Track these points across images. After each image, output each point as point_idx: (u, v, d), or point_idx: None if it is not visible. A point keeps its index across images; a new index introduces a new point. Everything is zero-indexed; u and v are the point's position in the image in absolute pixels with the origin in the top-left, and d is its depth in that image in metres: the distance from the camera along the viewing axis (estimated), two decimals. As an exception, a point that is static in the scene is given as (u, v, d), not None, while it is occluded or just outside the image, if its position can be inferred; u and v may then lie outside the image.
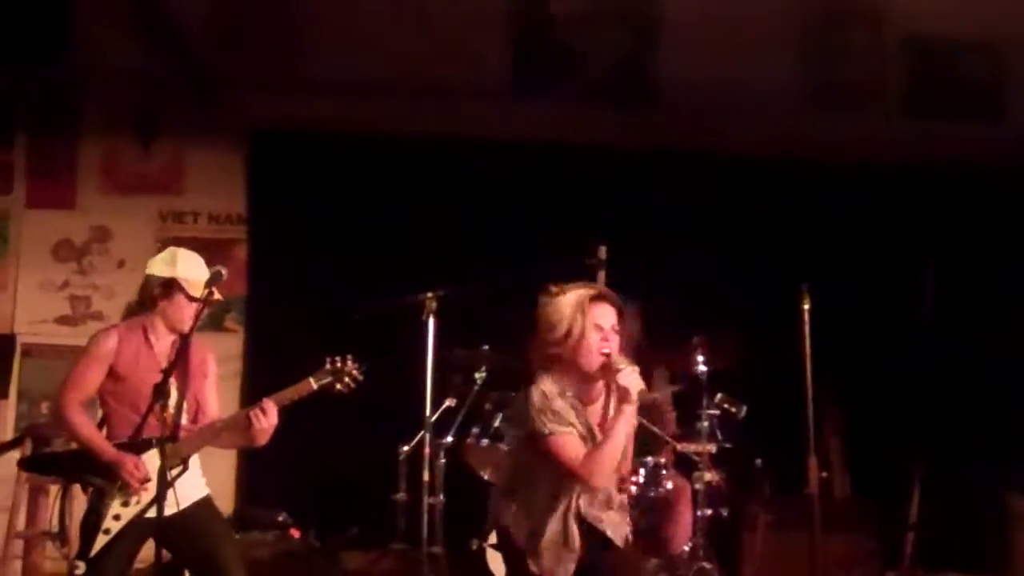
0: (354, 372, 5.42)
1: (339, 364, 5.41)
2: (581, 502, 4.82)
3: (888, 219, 8.54)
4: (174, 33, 8.04)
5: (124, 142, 8.75)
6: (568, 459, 4.70)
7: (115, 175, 8.77)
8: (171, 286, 5.45)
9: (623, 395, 4.73)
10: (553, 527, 4.79)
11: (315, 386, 5.38)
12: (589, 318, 4.78)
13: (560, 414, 4.73)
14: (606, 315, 4.83)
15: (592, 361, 4.78)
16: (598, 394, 4.90)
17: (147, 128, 8.70)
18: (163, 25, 7.98)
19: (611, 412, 4.84)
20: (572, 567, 4.81)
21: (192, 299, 5.43)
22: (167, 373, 5.14)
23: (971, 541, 8.08)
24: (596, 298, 4.85)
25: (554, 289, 4.91)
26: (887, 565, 8.09)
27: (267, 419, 5.31)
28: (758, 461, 7.59)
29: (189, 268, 5.53)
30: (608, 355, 4.76)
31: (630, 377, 4.71)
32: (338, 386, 5.41)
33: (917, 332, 8.63)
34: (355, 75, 8.42)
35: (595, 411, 4.89)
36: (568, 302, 4.82)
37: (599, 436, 4.79)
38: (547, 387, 4.77)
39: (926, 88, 8.57)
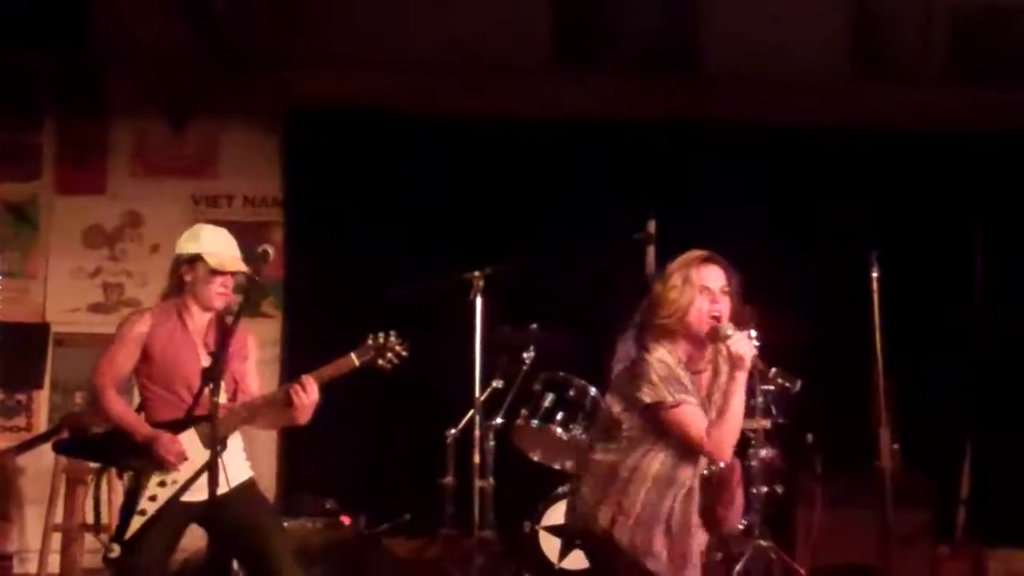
0: (397, 348, 5.27)
1: (382, 339, 5.26)
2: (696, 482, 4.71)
3: (936, 187, 8.45)
4: (204, 11, 7.88)
5: (155, 125, 8.60)
6: (697, 430, 4.53)
7: (146, 158, 8.63)
8: (195, 261, 5.34)
9: (737, 362, 4.58)
10: (676, 510, 4.67)
11: (357, 362, 5.23)
12: (696, 280, 4.66)
13: (685, 385, 4.59)
14: (714, 276, 4.70)
15: (702, 325, 4.63)
16: (704, 366, 4.75)
17: (179, 110, 8.55)
18: (193, 3, 7.82)
19: (723, 380, 4.69)
20: (702, 543, 4.76)
21: (216, 272, 5.30)
22: (216, 356, 5.02)
23: (1024, 514, 8.01)
24: (704, 260, 4.73)
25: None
26: (940, 539, 8.02)
27: (307, 396, 5.16)
28: (809, 436, 7.47)
29: (213, 242, 5.41)
30: (718, 318, 4.63)
31: (742, 343, 4.57)
32: (380, 362, 5.26)
33: (968, 302, 8.53)
34: (391, 51, 8.30)
35: (702, 382, 4.74)
36: (674, 268, 4.72)
37: (709, 408, 4.65)
38: (667, 357, 4.61)
39: (972, 55, 8.44)
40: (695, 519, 4.77)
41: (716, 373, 4.76)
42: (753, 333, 4.64)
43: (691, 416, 4.55)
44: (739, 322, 4.68)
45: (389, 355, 5.26)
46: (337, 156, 8.48)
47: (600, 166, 8.31)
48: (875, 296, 6.27)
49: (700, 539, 4.80)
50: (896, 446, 6.96)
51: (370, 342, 5.25)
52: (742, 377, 4.59)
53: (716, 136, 8.37)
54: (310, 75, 8.37)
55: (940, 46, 8.57)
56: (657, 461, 4.64)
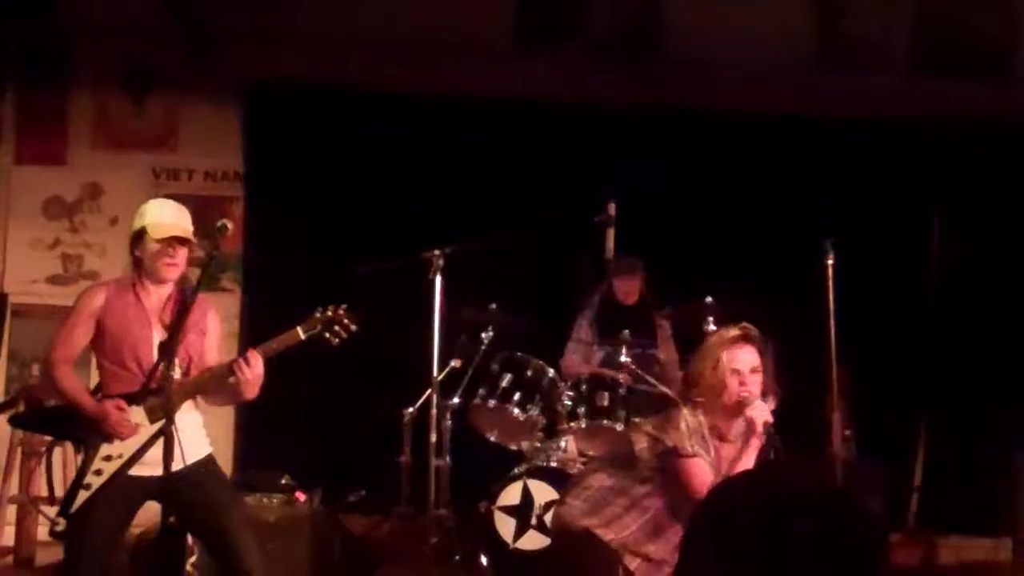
0: (346, 321, 5.15)
1: (330, 313, 5.15)
2: None
3: (895, 176, 8.50)
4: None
5: (116, 97, 8.54)
6: (700, 484, 4.81)
7: (107, 131, 8.58)
8: (142, 235, 5.26)
9: (751, 427, 4.88)
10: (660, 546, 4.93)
11: (303, 335, 5.12)
12: (726, 364, 4.92)
13: (706, 443, 4.89)
14: (745, 358, 4.95)
15: (731, 404, 4.91)
16: (736, 436, 5.01)
17: (139, 82, 8.50)
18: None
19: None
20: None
21: (161, 242, 5.20)
22: (172, 330, 4.99)
23: (977, 502, 8.06)
24: (736, 340, 4.99)
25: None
26: (893, 527, 8.08)
27: (251, 369, 5.07)
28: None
29: (156, 212, 5.28)
30: (746, 397, 4.90)
31: (758, 409, 4.87)
32: (327, 335, 5.13)
33: (922, 290, 8.60)
34: (353, 28, 8.25)
35: (730, 450, 4.99)
36: (708, 349, 5.01)
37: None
38: (699, 416, 4.94)
39: (935, 45, 8.46)
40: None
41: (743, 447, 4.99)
42: (768, 402, 4.96)
43: (700, 469, 4.85)
44: (768, 393, 5.01)
45: (337, 328, 5.14)
46: (297, 132, 8.46)
47: (561, 148, 8.32)
48: (829, 283, 6.30)
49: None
50: (848, 432, 7.00)
51: (318, 315, 5.15)
52: (755, 443, 4.88)
53: (676, 121, 8.39)
54: (271, 51, 8.31)
55: (904, 35, 8.58)
56: (655, 506, 4.93)
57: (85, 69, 8.54)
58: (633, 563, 4.90)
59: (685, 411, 4.94)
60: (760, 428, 4.82)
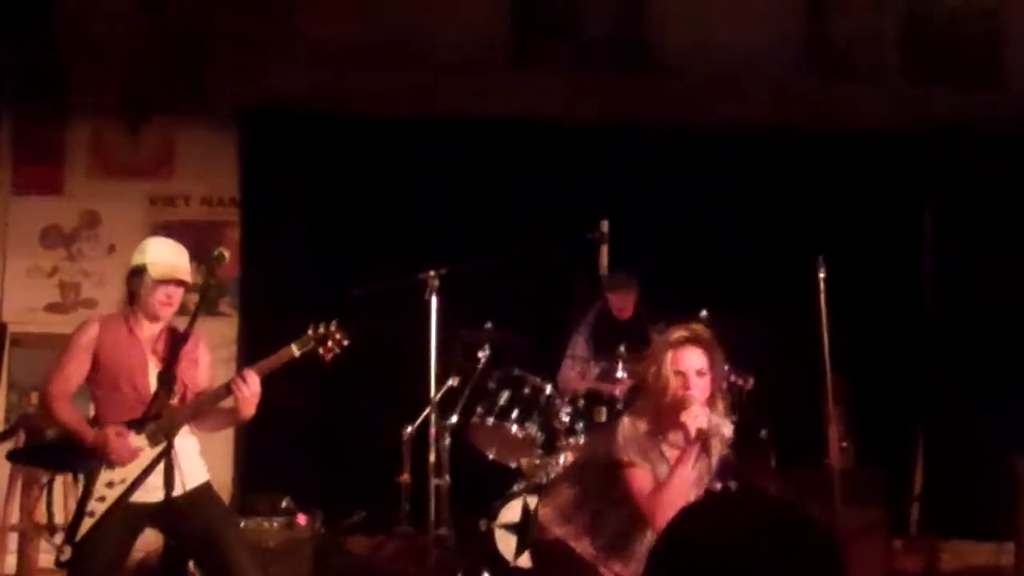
0: (338, 336, 5.29)
1: (322, 330, 5.28)
2: None
3: (886, 184, 8.48)
4: (160, 12, 7.88)
5: (112, 126, 8.58)
6: (637, 492, 4.78)
7: (104, 159, 8.61)
8: (141, 272, 5.35)
9: (686, 433, 4.76)
10: (633, 564, 4.88)
11: (297, 352, 5.25)
12: (670, 367, 4.82)
13: (642, 449, 4.81)
14: (691, 360, 4.83)
15: (676, 407, 4.79)
16: (681, 439, 4.90)
17: (136, 111, 8.52)
18: (149, 4, 7.82)
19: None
20: None
21: (159, 282, 5.31)
22: (169, 361, 5.06)
23: (978, 507, 8.07)
24: (682, 343, 4.86)
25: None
26: (894, 534, 8.08)
27: (248, 388, 5.18)
28: (763, 432, 7.54)
29: (156, 252, 5.42)
30: (685, 398, 4.78)
31: (692, 414, 4.74)
32: (321, 351, 5.28)
33: (918, 297, 8.62)
34: (347, 49, 8.29)
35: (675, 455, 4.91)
36: (652, 353, 4.94)
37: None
38: (639, 423, 4.86)
39: (924, 53, 8.49)
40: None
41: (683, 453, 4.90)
42: (706, 409, 4.81)
43: (635, 477, 4.78)
44: (716, 397, 4.92)
45: (330, 344, 5.28)
46: (293, 156, 8.49)
47: (553, 165, 8.34)
48: (822, 296, 6.31)
49: None
50: (844, 444, 7.02)
51: (310, 332, 5.28)
52: (691, 449, 4.75)
53: (667, 136, 8.42)
54: (265, 76, 8.36)
55: (894, 43, 8.61)
56: (618, 515, 4.89)
57: (81, 98, 8.57)
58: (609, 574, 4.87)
59: (625, 420, 4.87)
60: (693, 434, 4.69)
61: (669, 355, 4.82)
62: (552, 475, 7.13)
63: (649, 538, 4.80)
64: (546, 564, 5.04)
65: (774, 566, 3.17)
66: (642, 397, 5.00)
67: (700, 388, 4.81)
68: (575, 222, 6.86)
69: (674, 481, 4.73)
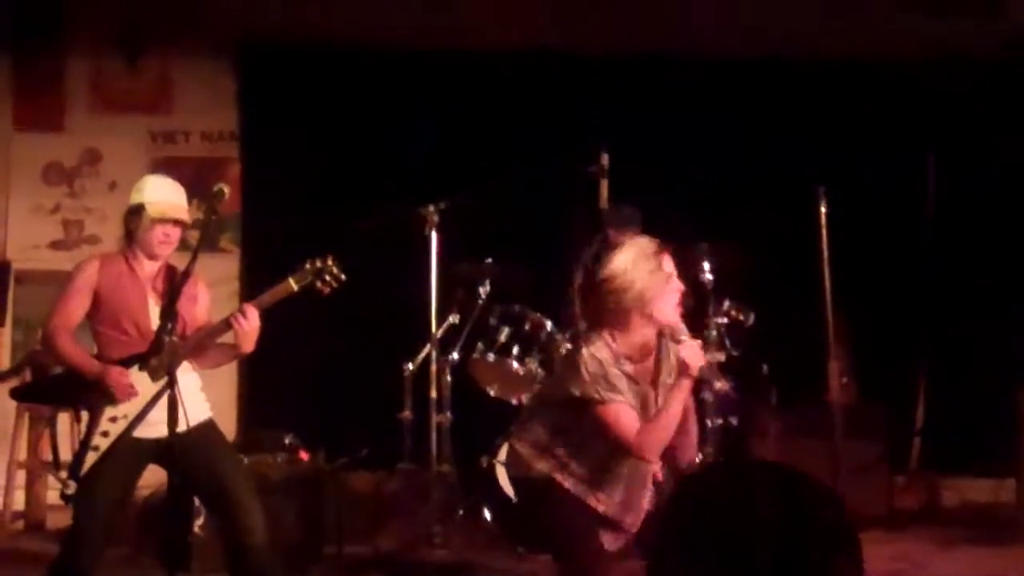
0: (335, 270, 5.30)
1: (319, 264, 5.30)
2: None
3: (888, 116, 8.46)
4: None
5: (111, 60, 8.56)
6: (622, 430, 4.58)
7: (103, 95, 8.60)
8: (139, 211, 5.36)
9: (683, 368, 4.62)
10: (631, 473, 4.75)
11: (295, 286, 5.27)
12: (665, 270, 4.66)
13: (614, 383, 4.61)
14: (670, 264, 4.71)
15: (667, 313, 4.66)
16: (650, 351, 4.78)
17: (133, 44, 8.50)
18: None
19: (667, 380, 4.76)
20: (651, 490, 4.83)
21: (157, 221, 5.32)
22: (171, 296, 5.07)
23: (980, 442, 8.08)
24: (663, 250, 4.71)
25: (603, 247, 4.76)
26: (895, 469, 8.10)
27: (248, 322, 5.20)
28: (764, 368, 7.53)
29: (154, 190, 5.41)
30: (674, 326, 4.67)
31: (692, 350, 4.61)
32: (319, 285, 5.29)
33: (919, 234, 8.61)
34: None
35: (647, 370, 4.78)
36: (642, 254, 4.66)
37: (653, 404, 4.73)
38: (602, 353, 4.63)
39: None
40: (649, 476, 4.85)
41: (658, 362, 4.79)
42: (698, 342, 4.68)
43: (617, 415, 4.60)
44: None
45: (327, 278, 5.30)
46: (292, 90, 8.45)
47: (553, 98, 8.31)
48: (823, 231, 6.28)
49: (650, 490, 4.89)
50: (845, 379, 7.02)
51: (307, 266, 5.30)
52: (687, 384, 4.63)
53: (667, 68, 8.38)
54: (263, 8, 8.35)
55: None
56: (596, 447, 4.71)
57: (79, 34, 8.55)
58: (600, 506, 4.73)
59: (584, 354, 4.63)
60: (695, 371, 4.57)
61: (662, 260, 4.67)
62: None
63: (632, 467, 4.72)
64: (533, 499, 4.90)
65: (782, 534, 3.21)
66: (613, 308, 4.66)
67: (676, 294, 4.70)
68: (575, 154, 6.86)
69: (669, 414, 4.60)
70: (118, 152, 8.53)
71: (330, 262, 5.31)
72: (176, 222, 5.36)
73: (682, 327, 4.68)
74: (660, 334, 4.74)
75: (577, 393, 4.62)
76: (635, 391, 4.69)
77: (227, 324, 5.25)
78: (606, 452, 4.70)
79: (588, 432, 4.68)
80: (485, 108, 8.36)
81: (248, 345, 5.29)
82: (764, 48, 8.40)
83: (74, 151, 8.62)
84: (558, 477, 4.73)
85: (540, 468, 4.76)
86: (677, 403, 4.61)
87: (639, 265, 4.62)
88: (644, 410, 4.70)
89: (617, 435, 4.59)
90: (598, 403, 4.59)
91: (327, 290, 5.30)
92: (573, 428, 4.73)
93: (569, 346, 6.78)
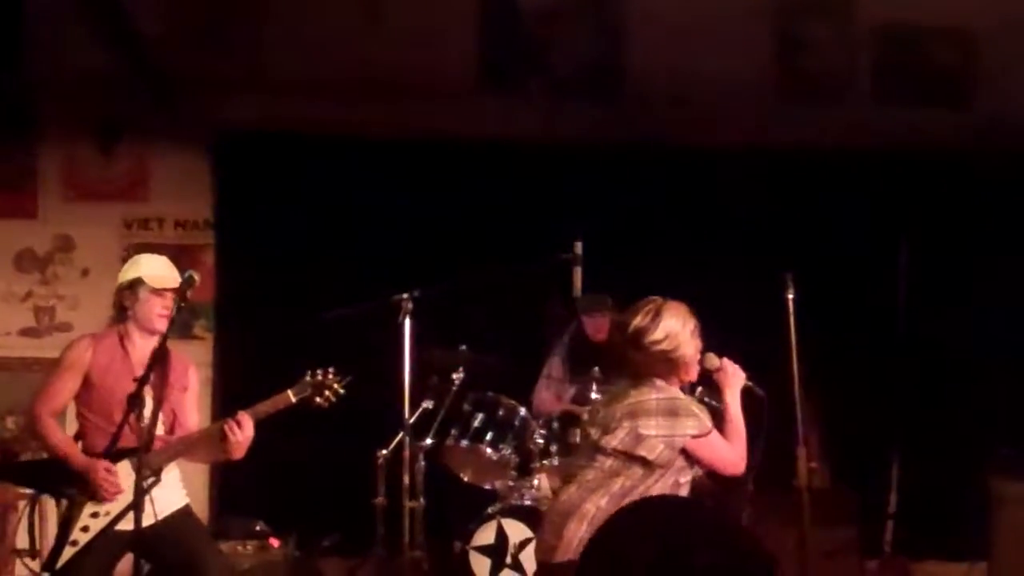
0: (335, 385, 5.37)
1: (320, 377, 5.34)
2: None
3: (860, 206, 8.56)
4: (132, 35, 7.87)
5: (85, 149, 8.58)
6: (723, 450, 4.93)
7: (77, 183, 8.61)
8: (136, 285, 5.38)
9: (732, 381, 5.12)
10: None
11: (294, 399, 5.32)
12: (697, 330, 5.03)
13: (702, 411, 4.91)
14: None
15: (695, 371, 5.06)
16: None
17: (108, 133, 8.53)
18: (120, 27, 7.81)
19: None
20: None
21: (156, 292, 5.35)
22: (141, 381, 5.05)
23: (952, 527, 8.15)
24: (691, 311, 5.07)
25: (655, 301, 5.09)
26: (869, 554, 8.10)
27: (242, 432, 5.23)
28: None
29: (152, 266, 5.51)
30: (704, 358, 5.07)
31: (731, 367, 5.14)
32: (318, 399, 5.35)
33: (892, 318, 8.67)
34: (319, 74, 8.28)
35: None
36: (685, 314, 5.05)
37: None
38: (673, 390, 4.94)
39: (896, 75, 8.54)
40: None
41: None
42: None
43: (718, 438, 4.93)
44: None
45: (327, 392, 5.35)
46: (267, 179, 8.50)
47: (527, 188, 8.38)
48: (790, 317, 6.32)
49: None
50: (814, 465, 7.02)
51: (308, 379, 5.34)
52: (734, 395, 5.10)
53: (641, 157, 8.44)
54: (238, 98, 8.35)
55: (865, 66, 8.65)
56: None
57: (53, 122, 8.57)
58: None
59: (679, 396, 4.93)
60: (732, 372, 5.12)
61: (693, 323, 5.01)
62: (527, 497, 7.14)
63: None
64: None
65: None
66: (667, 360, 4.95)
67: None
68: (549, 244, 6.90)
69: (740, 426, 5.05)
70: (92, 239, 8.53)
71: (331, 376, 5.34)
72: (174, 292, 5.35)
73: (710, 355, 5.13)
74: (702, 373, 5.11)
75: (694, 432, 4.81)
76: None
77: (220, 431, 5.24)
78: None
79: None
80: (461, 197, 8.42)
81: (239, 453, 5.30)
82: (738, 137, 8.47)
83: (47, 238, 8.60)
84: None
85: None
86: (738, 412, 5.08)
87: (686, 327, 4.99)
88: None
89: (720, 457, 4.93)
90: (708, 432, 4.86)
91: (326, 404, 5.34)
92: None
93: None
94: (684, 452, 4.81)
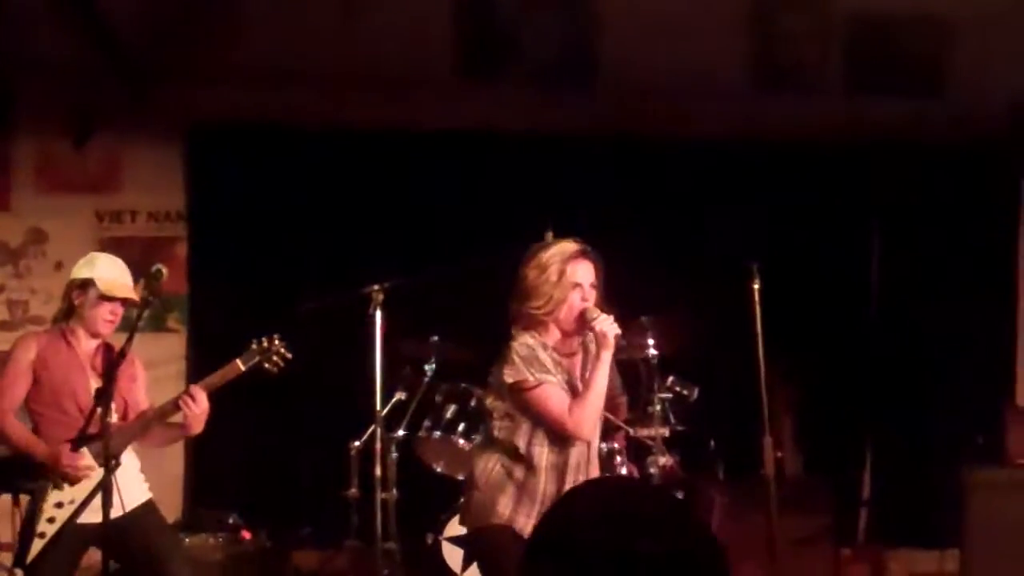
0: (282, 350, 5.40)
1: (265, 343, 5.39)
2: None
3: (834, 196, 8.59)
4: (104, 27, 7.84)
5: (58, 141, 8.56)
6: (555, 408, 4.74)
7: (50, 175, 8.60)
8: (86, 286, 5.40)
9: (601, 341, 4.79)
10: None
11: (243, 367, 5.34)
12: (570, 277, 4.84)
13: (545, 365, 4.77)
14: (585, 272, 4.90)
15: (571, 319, 4.84)
16: (576, 349, 4.96)
17: (81, 126, 8.50)
18: (93, 19, 7.78)
19: (590, 363, 4.90)
20: None
21: (105, 298, 5.35)
22: (107, 375, 5.07)
23: (925, 515, 8.17)
24: (578, 255, 4.90)
25: (535, 247, 5.01)
26: (842, 542, 8.12)
27: (196, 405, 5.25)
28: (711, 443, 7.58)
29: (106, 269, 5.49)
30: (588, 309, 4.83)
31: (606, 323, 4.78)
32: (266, 365, 5.38)
33: (865, 308, 8.70)
34: (293, 64, 8.20)
35: (574, 365, 4.94)
36: (550, 260, 4.88)
37: (580, 388, 4.84)
38: (529, 341, 4.82)
39: (867, 65, 8.53)
40: (595, 459, 4.98)
41: (587, 354, 4.95)
42: (611, 316, 4.84)
43: (550, 395, 4.76)
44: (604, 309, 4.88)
45: (275, 358, 5.37)
46: (240, 170, 8.49)
47: (499, 178, 8.39)
48: (756, 307, 6.35)
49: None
50: (780, 454, 7.05)
51: (254, 346, 5.38)
52: (607, 356, 4.81)
53: (614, 148, 8.47)
54: (212, 90, 8.33)
55: (837, 56, 8.64)
56: (544, 449, 4.80)
57: (26, 114, 8.56)
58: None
59: (515, 343, 4.85)
60: (612, 341, 4.77)
61: (568, 267, 4.86)
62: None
63: (579, 454, 4.84)
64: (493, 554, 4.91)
65: (660, 566, 3.18)
66: (526, 313, 4.90)
67: (592, 301, 4.88)
68: (521, 234, 6.92)
69: (595, 388, 4.79)
70: (64, 232, 8.52)
71: (276, 342, 5.38)
72: (124, 301, 5.39)
73: (593, 309, 4.84)
74: (579, 325, 4.88)
75: (511, 380, 4.77)
76: (564, 378, 4.85)
77: (175, 406, 5.27)
78: (549, 475, 4.80)
79: (517, 452, 4.80)
80: (433, 186, 8.42)
81: (197, 426, 5.31)
82: (712, 128, 8.50)
83: (19, 231, 8.60)
84: (517, 525, 4.75)
85: (500, 510, 4.77)
86: (601, 377, 4.80)
87: (547, 272, 4.86)
88: (574, 398, 4.83)
89: (551, 416, 4.75)
90: (532, 386, 4.75)
91: (275, 369, 5.37)
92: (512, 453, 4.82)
93: None
94: (514, 398, 4.79)
